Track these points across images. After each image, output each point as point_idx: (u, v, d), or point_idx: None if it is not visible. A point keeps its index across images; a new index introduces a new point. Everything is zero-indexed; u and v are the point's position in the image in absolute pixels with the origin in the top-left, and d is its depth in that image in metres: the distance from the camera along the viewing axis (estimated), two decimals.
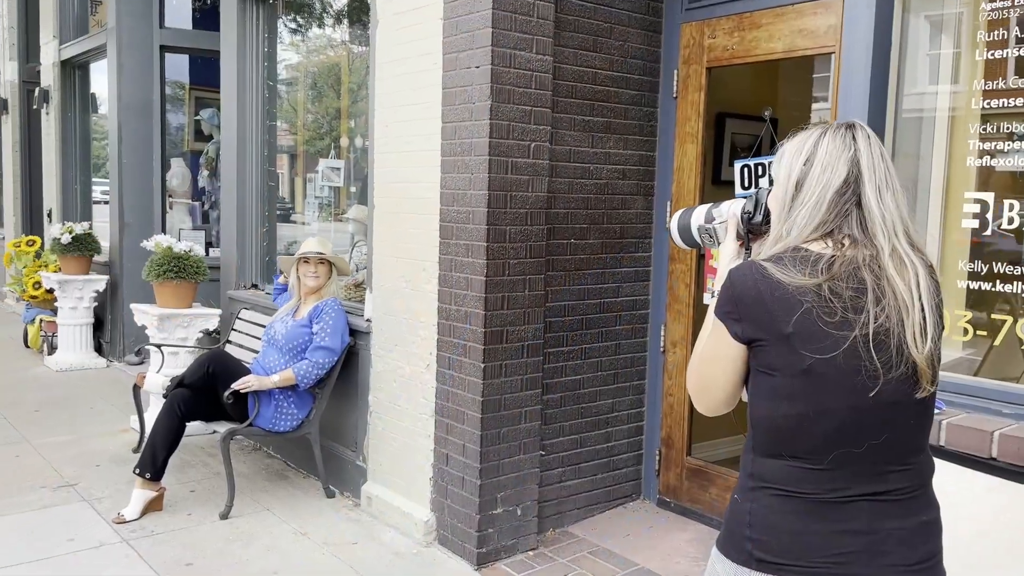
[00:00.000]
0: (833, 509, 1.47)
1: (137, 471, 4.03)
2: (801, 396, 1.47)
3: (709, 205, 1.86)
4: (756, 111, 4.34)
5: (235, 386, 3.99)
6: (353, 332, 4.35)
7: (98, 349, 7.42)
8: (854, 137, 1.53)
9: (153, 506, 4.08)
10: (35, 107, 8.93)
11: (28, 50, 9.63)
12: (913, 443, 1.53)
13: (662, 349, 4.23)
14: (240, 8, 5.28)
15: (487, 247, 3.51)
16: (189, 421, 4.13)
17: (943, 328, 1.56)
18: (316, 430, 4.31)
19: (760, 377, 1.52)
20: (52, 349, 7.34)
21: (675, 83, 4.09)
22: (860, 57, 3.17)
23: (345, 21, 5.58)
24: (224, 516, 4.04)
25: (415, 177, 3.88)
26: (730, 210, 1.77)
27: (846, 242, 1.49)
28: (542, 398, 3.83)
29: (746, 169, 3.88)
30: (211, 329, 5.49)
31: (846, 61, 3.22)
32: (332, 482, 4.48)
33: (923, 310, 1.45)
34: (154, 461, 4.02)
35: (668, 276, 4.19)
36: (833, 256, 1.47)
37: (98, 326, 7.43)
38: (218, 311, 5.46)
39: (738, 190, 3.90)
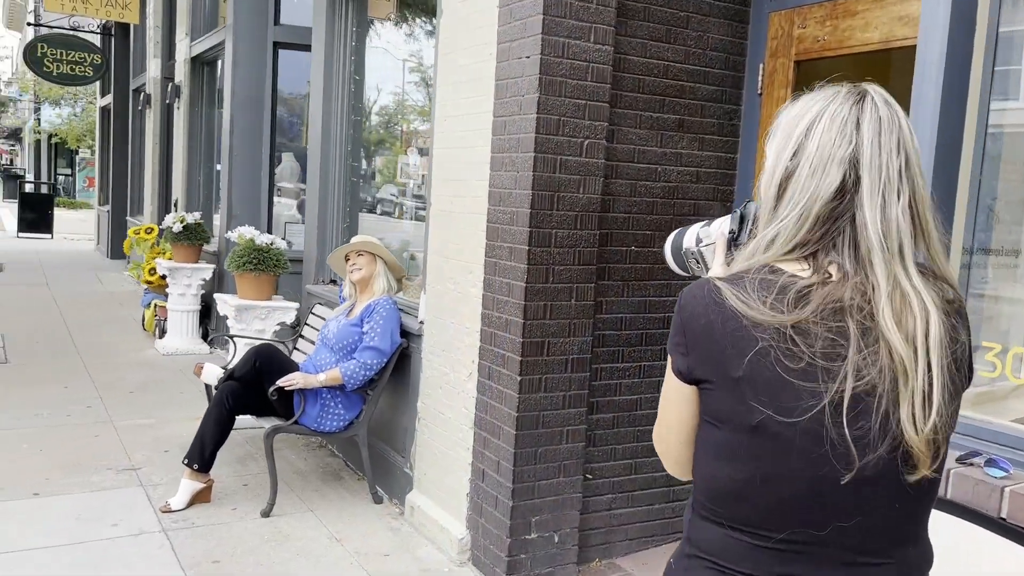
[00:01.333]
0: None
1: (185, 461, 4.03)
2: (748, 457, 1.14)
3: (702, 224, 1.53)
4: None
5: (280, 383, 3.92)
6: (407, 334, 4.19)
7: (205, 336, 7.66)
8: (858, 122, 1.14)
9: (201, 497, 4.07)
10: (167, 102, 9.36)
11: (169, 48, 10.12)
12: (899, 531, 1.17)
13: None
14: (329, 2, 5.25)
15: (528, 251, 3.26)
16: (239, 415, 4.09)
17: (966, 384, 1.18)
18: (364, 433, 4.18)
19: (705, 427, 1.21)
20: (163, 333, 7.63)
21: (760, 78, 3.69)
22: (935, 50, 2.69)
23: (431, 16, 5.44)
24: (265, 514, 3.98)
25: (467, 175, 3.67)
26: (719, 229, 1.45)
27: (832, 270, 1.14)
28: (589, 417, 3.53)
29: None
30: (289, 322, 5.49)
31: (922, 55, 2.75)
32: (383, 487, 4.34)
33: (929, 372, 1.09)
34: (202, 452, 4.01)
35: None
36: (808, 288, 1.12)
37: (206, 313, 7.67)
38: (296, 304, 5.46)
39: None
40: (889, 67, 4.06)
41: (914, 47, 3.41)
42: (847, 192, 1.13)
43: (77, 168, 29.07)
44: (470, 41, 3.66)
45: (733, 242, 1.36)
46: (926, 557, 1.22)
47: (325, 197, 5.38)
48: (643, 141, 3.56)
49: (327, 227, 5.39)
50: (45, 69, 13.18)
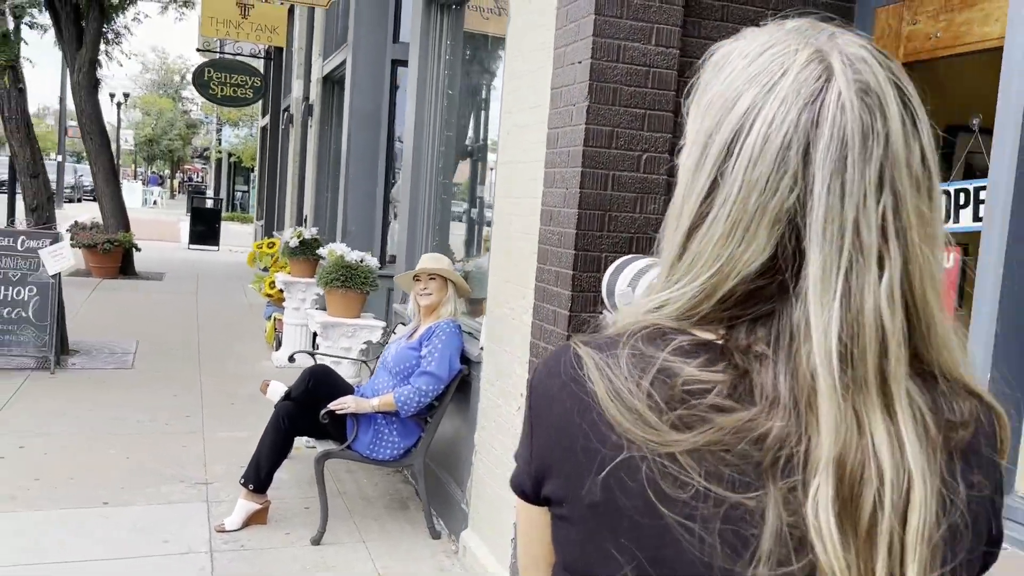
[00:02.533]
0: None
1: (241, 481, 3.95)
2: None
3: (647, 262, 1.18)
4: (964, 119, 3.28)
5: (331, 406, 3.77)
6: (467, 360, 3.94)
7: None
8: (808, 146, 0.67)
9: (257, 519, 3.98)
10: (302, 120, 9.64)
11: (309, 68, 10.45)
12: None
13: None
14: (425, 14, 5.13)
15: (573, 276, 2.93)
16: (295, 436, 3.97)
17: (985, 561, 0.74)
18: (421, 464, 3.96)
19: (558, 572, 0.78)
20: (279, 345, 7.77)
21: None
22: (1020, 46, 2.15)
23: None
24: (315, 542, 3.83)
25: (523, 191, 3.39)
26: (655, 271, 1.10)
27: (759, 348, 0.69)
28: None
29: (944, 196, 2.90)
30: (375, 341, 5.38)
31: (1009, 51, 2.21)
32: (444, 520, 4.10)
33: (902, 542, 0.65)
34: (257, 473, 3.92)
35: None
36: (706, 388, 0.68)
37: None
38: (382, 323, 5.34)
39: None
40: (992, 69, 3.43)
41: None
42: (780, 270, 0.68)
43: (251, 185, 31.04)
44: (530, 46, 3.39)
45: None
46: None
47: (415, 215, 5.25)
48: None
49: (416, 245, 5.25)
50: (211, 92, 14.00)
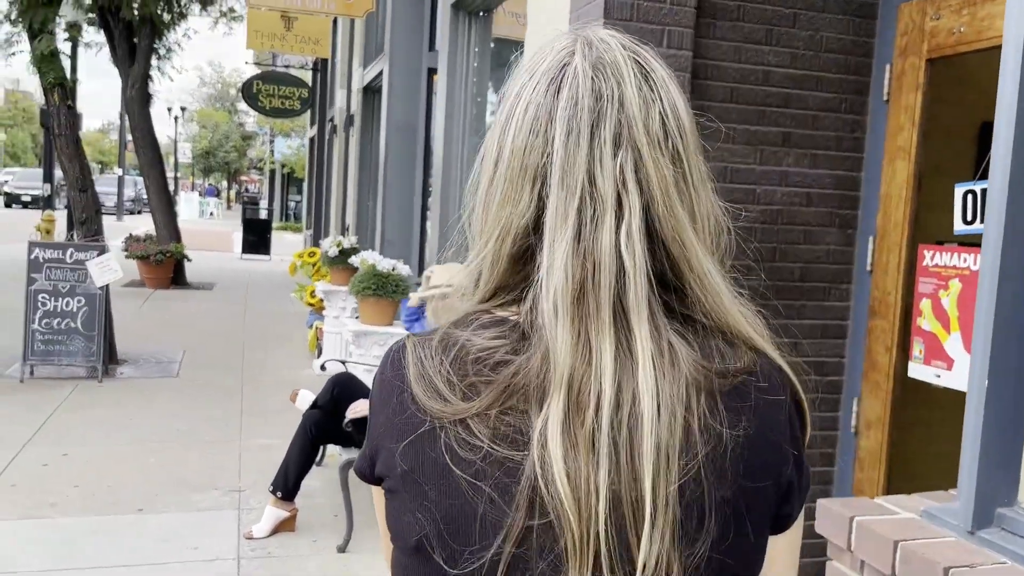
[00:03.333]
0: None
1: (270, 489, 3.99)
2: None
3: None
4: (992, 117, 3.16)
5: (349, 413, 3.78)
6: None
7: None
8: (554, 101, 0.76)
9: (285, 526, 4.01)
10: (344, 130, 9.76)
11: (350, 78, 10.58)
12: None
13: (853, 430, 3.23)
14: (453, 22, 5.15)
15: None
16: (322, 444, 4.00)
17: (738, 531, 0.73)
18: None
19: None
20: (321, 353, 7.86)
21: (886, 82, 3.10)
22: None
23: None
24: (341, 550, 3.85)
25: None
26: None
27: (531, 327, 0.75)
28: None
29: (970, 195, 2.80)
30: None
31: (1008, 47, 2.10)
32: None
33: (632, 519, 0.68)
34: (286, 480, 3.95)
35: (866, 335, 3.19)
36: (488, 354, 0.74)
37: None
38: None
39: (958, 225, 2.83)
40: None
41: None
42: (538, 225, 0.75)
43: (303, 195, 31.58)
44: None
45: None
46: None
47: (447, 221, 5.26)
48: (737, 158, 3.09)
49: (447, 253, 5.26)
50: (260, 104, 14.28)
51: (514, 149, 0.77)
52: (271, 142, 31.27)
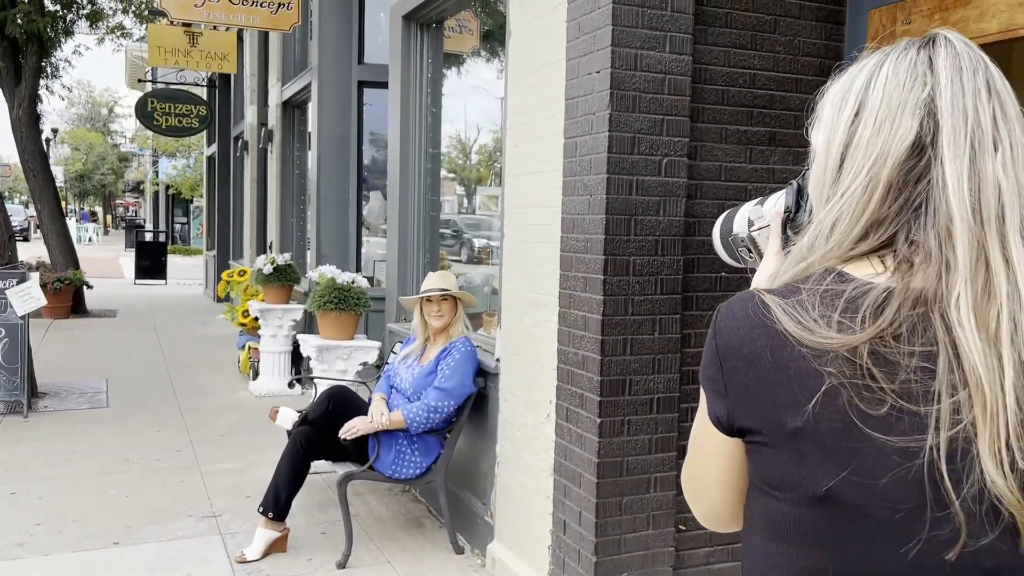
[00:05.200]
0: None
1: (260, 510, 3.89)
2: (815, 541, 0.84)
3: (756, 202, 1.24)
4: None
5: (341, 433, 3.74)
6: (484, 372, 3.97)
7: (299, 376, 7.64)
8: (931, 62, 0.87)
9: (276, 547, 3.92)
10: (261, 146, 9.54)
11: (264, 94, 10.36)
12: None
13: None
14: (405, 34, 5.16)
15: (604, 281, 2.99)
16: (314, 460, 3.94)
17: None
18: (442, 479, 3.96)
19: (755, 495, 0.91)
20: (256, 375, 7.66)
21: None
22: None
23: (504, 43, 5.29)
24: (341, 566, 3.79)
25: (539, 202, 3.44)
26: (773, 208, 1.16)
27: (916, 259, 0.83)
28: (680, 463, 3.20)
29: None
30: (372, 362, 5.36)
31: None
32: (464, 536, 4.11)
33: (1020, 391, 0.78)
34: (277, 500, 3.87)
35: None
36: (888, 289, 0.82)
37: (299, 355, 7.66)
38: (378, 344, 5.32)
39: None
40: (1011, 60, 3.63)
41: None
42: (925, 147, 0.84)
43: (191, 216, 30.46)
44: (539, 61, 3.45)
45: (790, 223, 1.08)
46: None
47: (405, 232, 5.25)
48: (730, 157, 3.25)
49: (407, 263, 5.25)
50: (155, 122, 13.76)
51: (887, 87, 0.87)
52: (154, 163, 30.06)
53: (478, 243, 5.97)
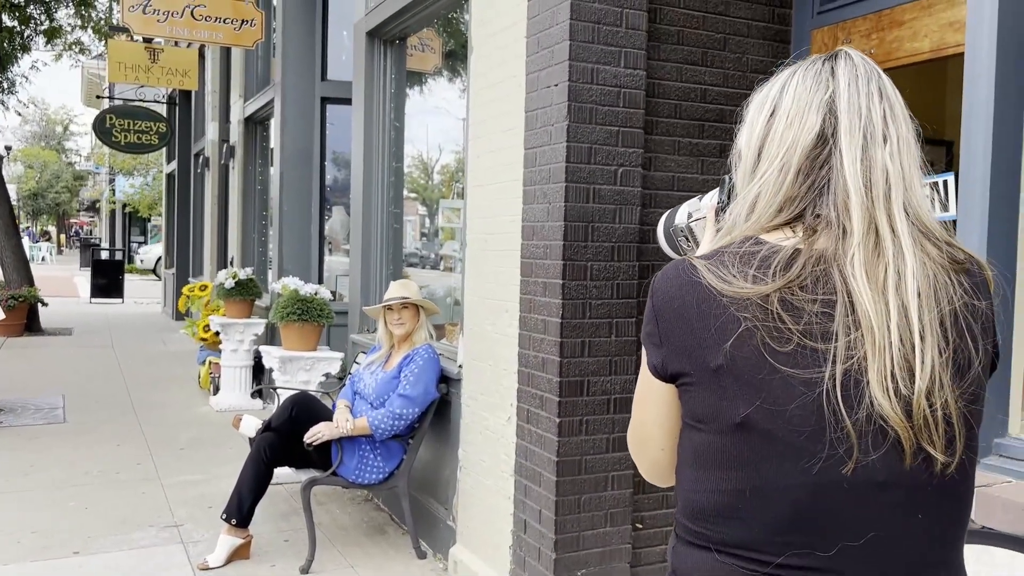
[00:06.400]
0: None
1: (224, 516, 3.92)
2: (735, 463, 0.98)
3: (696, 198, 1.39)
4: None
5: (306, 438, 3.80)
6: (447, 379, 4.05)
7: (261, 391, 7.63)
8: (833, 71, 1.05)
9: (239, 554, 3.95)
10: (223, 162, 9.55)
11: (226, 111, 10.37)
12: (923, 552, 0.97)
13: None
14: (368, 50, 5.26)
15: (563, 285, 3.10)
16: (277, 467, 3.98)
17: (987, 357, 1.00)
18: (405, 484, 4.02)
19: (686, 431, 1.06)
20: (217, 390, 7.64)
21: None
22: (984, 58, 2.47)
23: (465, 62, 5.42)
24: (304, 571, 3.83)
25: (499, 211, 3.55)
26: (710, 202, 1.30)
27: (819, 227, 1.01)
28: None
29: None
30: (334, 373, 5.41)
31: (970, 62, 2.53)
32: (426, 541, 4.17)
33: (908, 330, 0.93)
34: (240, 507, 3.89)
35: None
36: (796, 250, 0.99)
37: (260, 369, 7.65)
38: (340, 355, 5.37)
39: None
40: (945, 77, 3.84)
41: None
42: (827, 139, 1.02)
43: (149, 235, 30.11)
44: (499, 75, 3.57)
45: (721, 212, 1.23)
46: None
47: (368, 244, 5.32)
48: (683, 168, 3.39)
49: (370, 274, 5.32)
50: (114, 139, 13.65)
51: (797, 95, 1.05)
52: (111, 181, 29.70)
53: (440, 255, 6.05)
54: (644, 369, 1.10)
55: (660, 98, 3.32)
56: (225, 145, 9.51)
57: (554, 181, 3.14)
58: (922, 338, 0.93)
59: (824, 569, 0.95)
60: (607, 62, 3.14)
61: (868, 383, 0.92)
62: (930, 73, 3.98)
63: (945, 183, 2.60)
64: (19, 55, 13.20)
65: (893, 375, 0.91)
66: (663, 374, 1.05)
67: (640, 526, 3.35)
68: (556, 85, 3.14)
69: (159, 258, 22.49)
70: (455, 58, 5.70)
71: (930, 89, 4.02)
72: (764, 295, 0.95)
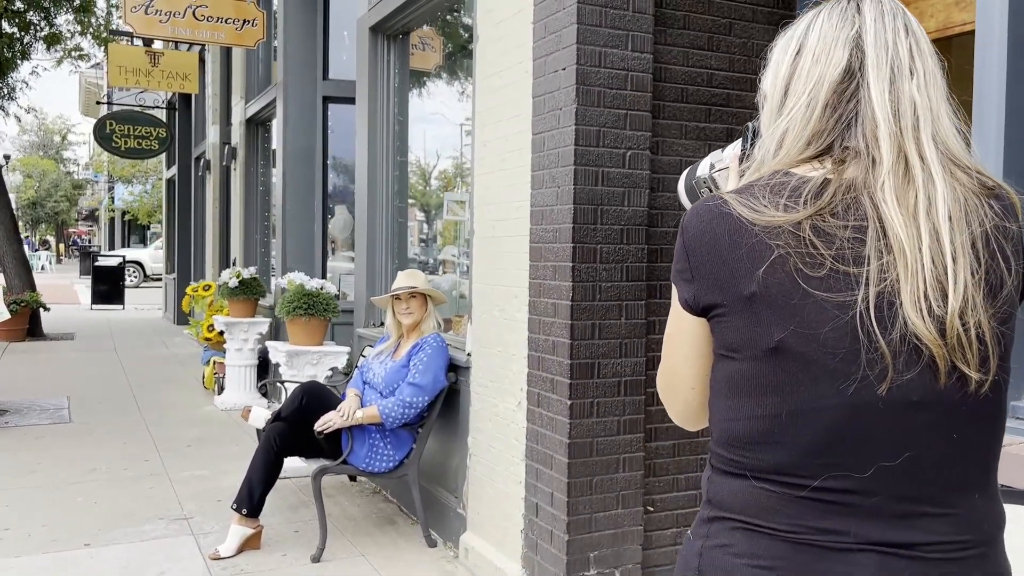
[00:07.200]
0: (820, 558, 0.96)
1: (234, 506, 3.92)
2: (770, 388, 0.99)
3: (719, 149, 1.40)
4: None
5: (317, 427, 3.80)
6: (456, 367, 4.06)
7: (264, 391, 7.63)
8: (859, 7, 1.06)
9: (250, 544, 3.95)
10: (224, 163, 9.57)
11: (227, 113, 10.40)
12: (958, 473, 0.98)
13: None
14: (372, 45, 5.28)
15: (573, 268, 3.12)
16: (287, 456, 3.98)
17: (1018, 282, 1.00)
18: (415, 473, 4.03)
19: (719, 362, 1.06)
20: (221, 390, 7.64)
21: None
22: (995, 32, 2.49)
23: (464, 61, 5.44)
24: (315, 559, 3.83)
25: (508, 197, 3.57)
26: (732, 152, 1.31)
27: (848, 158, 1.01)
28: (647, 445, 3.32)
29: None
30: (340, 367, 5.41)
31: (981, 37, 2.55)
32: (436, 530, 4.17)
33: (940, 252, 0.94)
34: (251, 497, 3.90)
35: None
36: (825, 180, 1.00)
37: (264, 368, 7.66)
38: (347, 349, 5.38)
39: None
40: (950, 55, 3.85)
41: (975, 32, 3.19)
42: (854, 73, 1.03)
43: (149, 242, 30.13)
44: (506, 61, 3.59)
45: (745, 160, 1.24)
46: (997, 512, 1.02)
47: (373, 238, 5.34)
48: (690, 152, 3.41)
49: (376, 268, 5.33)
50: (114, 145, 13.65)
51: (822, 33, 1.06)
52: (110, 189, 29.70)
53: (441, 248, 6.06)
54: (674, 308, 1.11)
55: (667, 82, 3.34)
56: (227, 147, 9.53)
57: (563, 164, 3.16)
58: (954, 259, 0.94)
59: (861, 491, 0.96)
60: (614, 45, 3.16)
61: (901, 304, 0.93)
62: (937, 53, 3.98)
63: None
64: (19, 61, 13.21)
65: (926, 296, 0.92)
66: (695, 308, 1.06)
67: (651, 508, 3.36)
68: (564, 69, 3.16)
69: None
70: (454, 61, 5.72)
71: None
72: (796, 222, 0.96)
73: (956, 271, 0.93)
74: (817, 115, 1.03)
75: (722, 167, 1.35)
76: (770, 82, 1.12)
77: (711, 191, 1.38)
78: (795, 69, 1.07)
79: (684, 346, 1.11)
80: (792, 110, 1.05)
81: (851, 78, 1.03)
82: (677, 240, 1.09)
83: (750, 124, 1.28)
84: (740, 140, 1.31)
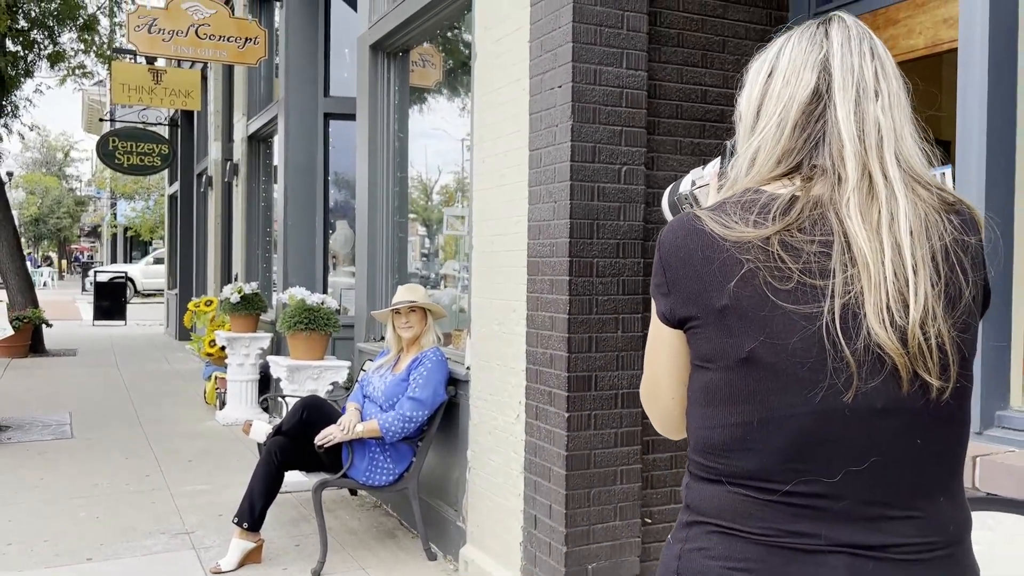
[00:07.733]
0: (792, 560, 1.01)
1: (235, 520, 3.95)
2: (742, 397, 1.03)
3: (700, 166, 1.46)
4: None
5: (317, 440, 3.84)
6: (455, 381, 4.10)
7: (265, 405, 7.66)
8: (827, 33, 1.11)
9: (251, 557, 3.97)
10: (226, 180, 9.64)
11: (229, 130, 10.48)
12: (924, 477, 1.03)
13: None
14: (372, 62, 5.35)
15: (570, 281, 3.16)
16: (288, 470, 4.01)
17: (978, 291, 1.06)
18: (415, 486, 4.06)
19: (695, 373, 1.11)
20: (223, 405, 7.67)
21: None
22: (976, 52, 2.54)
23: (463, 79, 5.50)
24: (316, 573, 3.86)
25: (507, 212, 3.61)
26: (713, 169, 1.36)
27: (815, 176, 1.07)
28: (644, 457, 3.36)
29: None
30: (341, 382, 5.45)
31: (964, 56, 2.60)
32: (436, 543, 4.19)
33: (902, 265, 0.98)
34: (252, 511, 3.93)
35: None
36: (793, 196, 1.05)
37: (265, 383, 7.70)
38: (347, 363, 5.42)
39: None
40: (940, 72, 3.91)
41: None
42: (822, 94, 1.08)
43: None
44: (503, 79, 3.65)
45: (724, 177, 1.29)
46: (963, 515, 1.07)
47: (374, 253, 5.39)
48: (685, 167, 3.45)
49: (376, 282, 5.38)
50: (116, 161, 13.73)
51: (792, 57, 1.11)
52: (113, 205, 29.83)
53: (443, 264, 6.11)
54: (653, 322, 1.16)
55: (661, 99, 3.39)
56: (228, 163, 9.60)
57: (559, 180, 3.21)
58: (915, 272, 0.98)
59: (830, 495, 1.00)
60: (609, 63, 3.22)
61: (865, 315, 0.97)
62: (926, 69, 4.05)
63: (943, 176, 2.65)
64: (23, 79, 13.32)
65: (888, 307, 0.97)
66: (672, 320, 1.10)
67: (649, 520, 3.38)
68: (560, 87, 3.21)
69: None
70: (454, 78, 5.79)
71: (925, 86, 4.07)
72: (765, 237, 1.01)
73: (917, 283, 0.98)
74: (787, 134, 1.08)
75: (703, 184, 1.40)
76: (744, 103, 1.17)
77: (692, 206, 1.43)
78: (767, 90, 1.12)
79: (663, 357, 1.15)
80: (764, 129, 1.10)
81: (819, 99, 1.07)
82: (655, 255, 1.14)
83: (728, 143, 1.33)
84: (719, 158, 1.36)
